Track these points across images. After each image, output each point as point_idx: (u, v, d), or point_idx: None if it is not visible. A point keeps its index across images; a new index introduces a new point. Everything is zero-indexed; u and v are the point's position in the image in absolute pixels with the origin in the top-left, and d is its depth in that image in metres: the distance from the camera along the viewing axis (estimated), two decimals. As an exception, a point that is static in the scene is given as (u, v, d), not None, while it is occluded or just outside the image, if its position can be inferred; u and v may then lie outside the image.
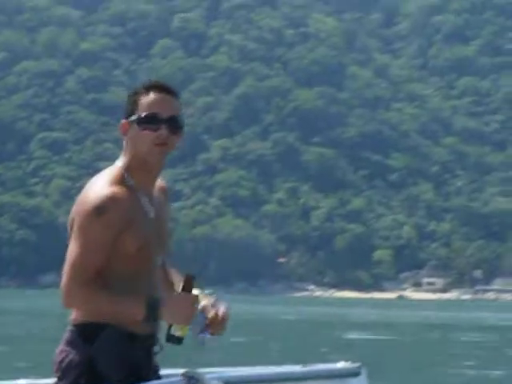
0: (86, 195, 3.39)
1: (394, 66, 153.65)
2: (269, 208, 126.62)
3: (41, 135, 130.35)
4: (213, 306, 3.54)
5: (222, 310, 3.53)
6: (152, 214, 3.50)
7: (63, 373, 3.46)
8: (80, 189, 3.55)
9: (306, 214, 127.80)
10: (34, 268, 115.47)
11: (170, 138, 3.43)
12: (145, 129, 3.42)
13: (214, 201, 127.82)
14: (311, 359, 5.50)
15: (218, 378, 3.97)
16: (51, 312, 39.22)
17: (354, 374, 4.70)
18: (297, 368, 4.56)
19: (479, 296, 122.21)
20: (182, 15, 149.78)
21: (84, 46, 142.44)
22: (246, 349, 28.59)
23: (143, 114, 3.44)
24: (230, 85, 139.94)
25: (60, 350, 3.48)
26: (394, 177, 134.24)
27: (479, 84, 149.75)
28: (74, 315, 3.48)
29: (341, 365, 4.64)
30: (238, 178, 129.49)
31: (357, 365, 4.70)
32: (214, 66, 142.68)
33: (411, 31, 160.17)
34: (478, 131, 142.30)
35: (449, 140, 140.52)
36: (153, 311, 3.36)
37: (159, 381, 3.61)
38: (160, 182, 3.64)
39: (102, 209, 3.35)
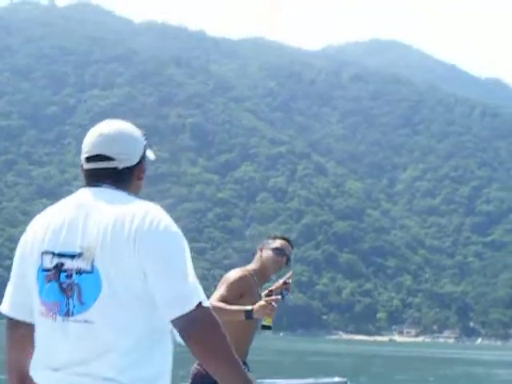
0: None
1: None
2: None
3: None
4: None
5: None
6: None
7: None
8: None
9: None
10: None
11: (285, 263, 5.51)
12: (276, 254, 5.40)
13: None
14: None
15: None
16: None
17: None
18: (308, 380, 5.78)
19: (435, 340, 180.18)
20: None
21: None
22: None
23: (277, 247, 5.44)
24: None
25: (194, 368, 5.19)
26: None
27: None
28: None
29: (335, 379, 5.83)
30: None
31: (344, 379, 5.77)
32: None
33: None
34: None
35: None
36: (249, 313, 4.83)
37: None
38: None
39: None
